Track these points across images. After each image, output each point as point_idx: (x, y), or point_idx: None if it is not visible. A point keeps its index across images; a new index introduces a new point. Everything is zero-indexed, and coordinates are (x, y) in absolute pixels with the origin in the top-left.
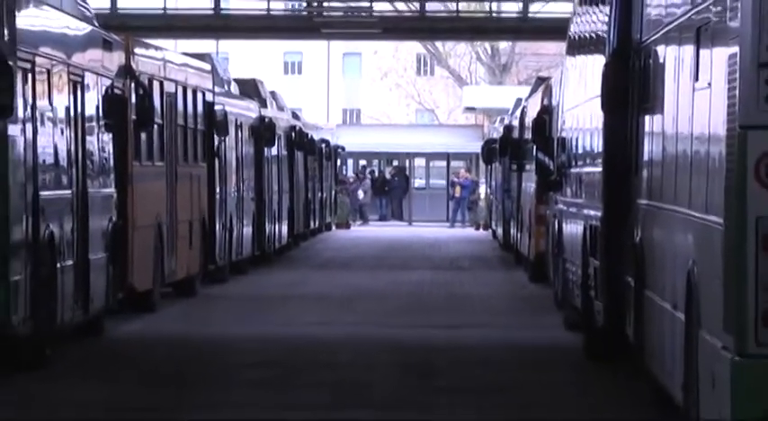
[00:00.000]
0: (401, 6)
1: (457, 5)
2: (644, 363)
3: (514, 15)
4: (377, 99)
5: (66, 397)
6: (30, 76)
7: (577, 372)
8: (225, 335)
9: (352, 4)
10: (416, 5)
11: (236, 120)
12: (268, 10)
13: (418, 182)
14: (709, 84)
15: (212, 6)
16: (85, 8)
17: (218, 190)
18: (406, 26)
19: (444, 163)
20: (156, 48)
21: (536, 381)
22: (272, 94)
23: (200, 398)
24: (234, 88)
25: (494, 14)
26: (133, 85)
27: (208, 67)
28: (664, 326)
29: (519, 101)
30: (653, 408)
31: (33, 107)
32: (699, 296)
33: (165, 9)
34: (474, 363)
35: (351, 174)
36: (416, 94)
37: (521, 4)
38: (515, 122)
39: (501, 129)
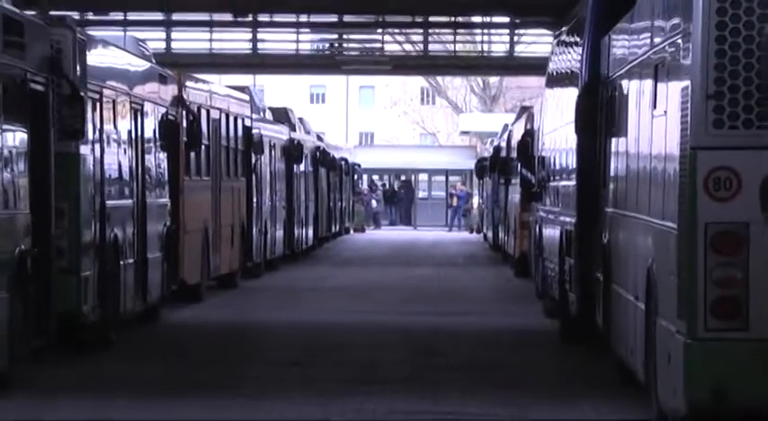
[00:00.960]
0: (408, 47)
1: (454, 46)
2: (610, 345)
3: (502, 55)
4: (387, 124)
5: (127, 374)
6: (98, 105)
7: (555, 353)
8: (261, 322)
9: (367, 45)
10: (420, 46)
11: (270, 142)
12: (297, 50)
13: (422, 193)
14: (666, 111)
15: (250, 47)
16: (145, 48)
17: (254, 200)
18: (411, 63)
19: (443, 177)
20: (204, 81)
21: (520, 360)
22: (300, 119)
23: (240, 374)
24: (268, 115)
25: (484, 54)
26: (184, 112)
27: (246, 97)
28: (627, 314)
29: (506, 126)
30: (618, 383)
31: (101, 131)
32: (657, 289)
33: (210, 49)
34: (468, 345)
35: (365, 186)
36: (420, 120)
37: (507, 46)
38: (503, 144)
39: (491, 150)
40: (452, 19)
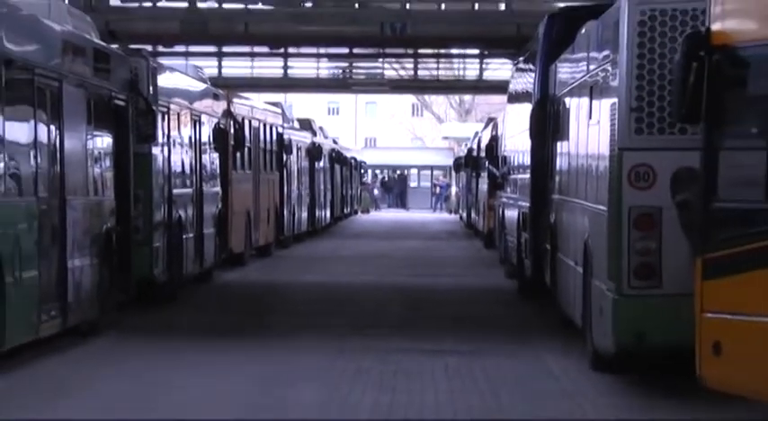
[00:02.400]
0: (402, 72)
1: (437, 72)
2: (556, 300)
3: (474, 78)
4: (387, 131)
5: (187, 321)
6: (166, 116)
7: (513, 305)
8: (290, 281)
9: (371, 71)
10: (411, 72)
11: (297, 145)
12: (317, 74)
13: (413, 183)
14: (599, 121)
15: (282, 72)
16: (201, 73)
17: (285, 189)
18: (405, 85)
19: (429, 172)
20: (246, 98)
21: (486, 311)
22: (320, 128)
23: (272, 319)
24: (295, 124)
25: (460, 78)
26: (232, 122)
27: (279, 110)
28: (569, 276)
29: (476, 132)
30: (561, 327)
31: (168, 136)
32: (592, 256)
33: (251, 73)
34: (446, 300)
35: (369, 178)
36: (411, 128)
37: (478, 71)
38: (474, 146)
39: (465, 151)
40: (436, 51)
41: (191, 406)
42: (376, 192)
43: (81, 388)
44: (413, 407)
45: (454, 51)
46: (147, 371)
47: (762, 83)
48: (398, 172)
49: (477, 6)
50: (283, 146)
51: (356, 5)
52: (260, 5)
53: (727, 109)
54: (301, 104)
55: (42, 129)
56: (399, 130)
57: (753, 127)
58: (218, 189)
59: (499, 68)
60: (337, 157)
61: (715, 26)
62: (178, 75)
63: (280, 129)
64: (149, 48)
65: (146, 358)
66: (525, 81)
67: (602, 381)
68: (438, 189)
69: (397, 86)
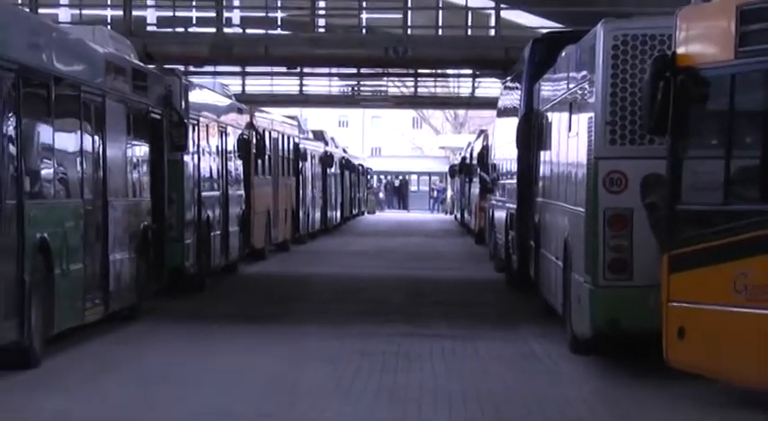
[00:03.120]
0: (404, 90)
1: (435, 89)
2: (539, 290)
3: (467, 95)
4: (390, 141)
5: (214, 307)
6: (196, 128)
7: (502, 295)
8: (305, 273)
9: (376, 89)
10: (412, 89)
11: (311, 153)
12: (329, 91)
13: (413, 187)
14: (577, 133)
15: (298, 89)
16: (227, 90)
17: (300, 192)
18: (406, 101)
19: (427, 177)
20: (267, 112)
21: (478, 300)
22: (332, 138)
23: (289, 306)
24: (310, 135)
25: (455, 95)
26: (254, 133)
27: (295, 123)
28: (551, 269)
29: (469, 143)
30: (543, 314)
31: (198, 145)
32: (571, 252)
33: (271, 90)
34: (442, 290)
35: (375, 183)
36: (412, 138)
37: (471, 89)
38: (467, 155)
39: (459, 159)
40: (434, 71)
41: (222, 380)
42: (381, 194)
43: (122, 365)
44: (413, 386)
45: (450, 71)
46: (179, 351)
47: (720, 100)
48: (400, 177)
49: (469, 32)
50: (299, 154)
51: (363, 31)
52: (279, 31)
53: (689, 123)
54: (315, 118)
55: (87, 138)
56: (401, 141)
57: (712, 139)
58: (241, 192)
59: (489, 87)
60: (347, 164)
61: (680, 50)
62: (207, 91)
63: (296, 140)
64: (182, 68)
65: (178, 340)
66: (512, 98)
67: (580, 362)
68: (435, 193)
69: (400, 102)
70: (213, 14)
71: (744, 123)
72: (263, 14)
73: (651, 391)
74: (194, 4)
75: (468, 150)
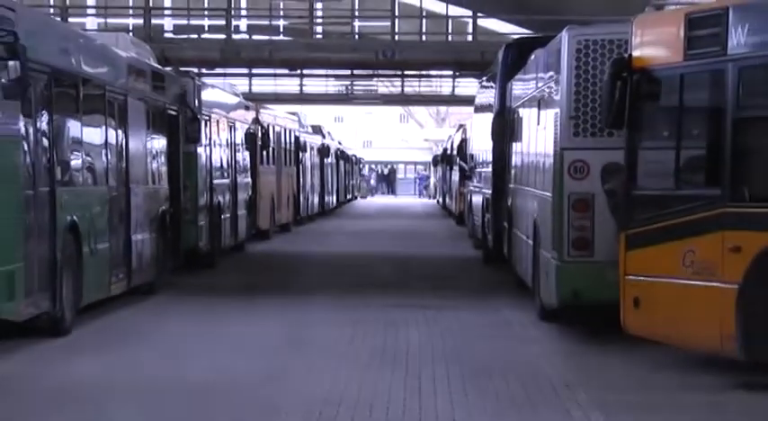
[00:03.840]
0: (392, 89)
1: (419, 88)
2: (511, 265)
3: (448, 93)
4: (380, 135)
5: (225, 281)
6: (208, 123)
7: (479, 269)
8: (304, 251)
9: (367, 88)
10: (399, 88)
11: (310, 145)
12: (326, 91)
13: (400, 175)
14: (545, 127)
15: (299, 89)
16: (235, 89)
17: (301, 179)
18: (394, 99)
19: (413, 166)
20: (271, 109)
21: (459, 273)
22: (328, 132)
23: (291, 280)
24: (309, 129)
25: (437, 93)
26: (259, 127)
27: (296, 118)
28: (522, 247)
29: (450, 136)
30: (515, 286)
31: (210, 138)
32: (539, 232)
33: (275, 90)
34: (426, 265)
35: (367, 171)
36: (399, 132)
37: (452, 88)
38: (448, 146)
39: (441, 150)
40: (419, 72)
41: (232, 345)
42: (372, 181)
43: (144, 333)
44: (400, 348)
45: (432, 72)
46: (195, 320)
47: (670, 97)
48: (389, 166)
49: (450, 38)
50: (299, 146)
51: (356, 37)
52: (281, 37)
53: (644, 117)
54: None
55: (111, 133)
56: (390, 134)
57: (664, 131)
58: (248, 180)
59: (467, 86)
60: (341, 155)
61: (635, 53)
62: (217, 90)
63: (296, 133)
64: (195, 70)
65: (193, 310)
66: (488, 96)
67: (548, 329)
68: (418, 180)
69: (388, 100)
70: (223, 23)
71: (692, 118)
72: (268, 23)
73: (609, 354)
74: (206, 13)
75: (449, 142)
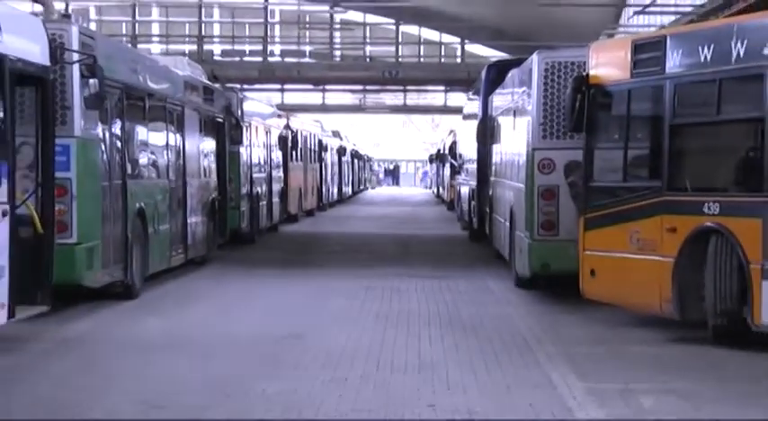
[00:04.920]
0: (396, 101)
1: (418, 100)
2: (492, 243)
3: (441, 104)
4: (387, 137)
5: (262, 255)
6: (249, 128)
7: (466, 245)
8: (325, 231)
9: (377, 100)
10: (402, 101)
11: (330, 146)
12: (343, 102)
13: (403, 170)
14: (519, 131)
15: (321, 101)
16: (270, 101)
17: (323, 174)
18: (398, 108)
19: (413, 163)
20: (299, 117)
21: (449, 249)
22: (345, 136)
23: (314, 254)
24: (329, 133)
25: (433, 104)
26: (289, 132)
27: (319, 125)
28: (500, 228)
29: (443, 139)
30: (495, 259)
31: (250, 141)
32: (514, 216)
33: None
34: (423, 243)
35: (375, 167)
36: (402, 135)
37: (444, 99)
38: (441, 147)
39: (435, 150)
40: (418, 87)
41: (267, 307)
42: (380, 175)
43: (196, 296)
44: (403, 311)
45: (428, 88)
46: (237, 287)
47: (620, 107)
48: (393, 163)
49: (443, 60)
50: (321, 147)
51: (367, 59)
52: (307, 59)
53: (598, 124)
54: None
55: (171, 136)
56: (394, 137)
57: (614, 135)
58: (281, 174)
59: (457, 98)
60: (355, 154)
61: (592, 72)
62: (256, 102)
63: (319, 137)
64: (238, 85)
65: (237, 278)
66: (473, 106)
67: (522, 294)
68: (422, 175)
69: (393, 110)
70: (260, 48)
71: (636, 124)
72: (296, 48)
73: (570, 313)
74: (247, 40)
75: (442, 144)
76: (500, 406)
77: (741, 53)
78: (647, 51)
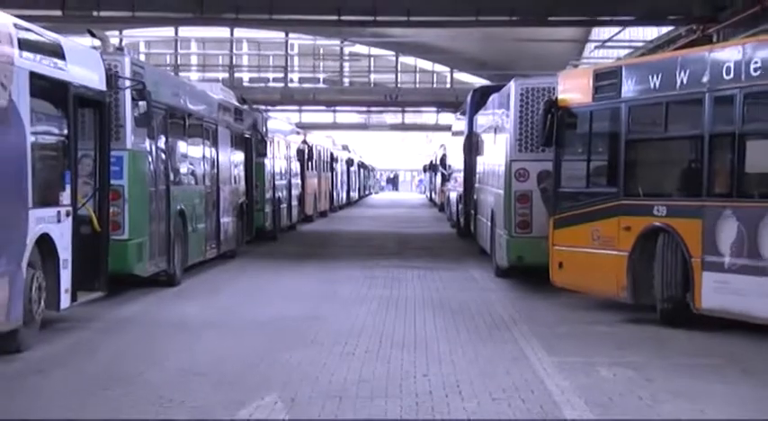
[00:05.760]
0: (396, 119)
1: (414, 119)
2: (476, 240)
3: (434, 123)
4: (388, 150)
5: (284, 249)
6: (272, 143)
7: (454, 241)
8: (336, 228)
9: (380, 119)
10: (400, 119)
11: (340, 158)
12: (351, 121)
13: (401, 178)
14: (499, 146)
15: (333, 120)
16: (290, 120)
17: (334, 181)
18: (397, 126)
19: (410, 172)
20: (314, 133)
21: (440, 244)
22: (353, 149)
23: (327, 249)
24: (339, 147)
25: (426, 123)
26: (306, 146)
27: (331, 139)
28: (483, 227)
29: (435, 152)
30: (479, 254)
31: (273, 153)
32: (495, 216)
33: (316, 121)
34: (419, 238)
35: (378, 175)
36: (400, 148)
37: (436, 118)
38: (434, 159)
39: (429, 161)
40: (414, 108)
41: (287, 293)
42: (383, 183)
43: (227, 285)
44: (401, 296)
45: (423, 109)
46: (261, 276)
47: (583, 126)
48: (393, 172)
49: (435, 85)
50: (333, 158)
51: (372, 85)
52: (321, 85)
53: (565, 140)
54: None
55: (207, 150)
56: (394, 150)
57: (579, 149)
58: (299, 181)
59: (447, 118)
60: (362, 165)
61: (560, 96)
62: (278, 121)
63: (331, 150)
64: (263, 107)
65: (261, 269)
66: (460, 125)
67: (501, 282)
68: (419, 182)
69: (394, 127)
70: (282, 75)
71: (597, 140)
72: (312, 75)
73: (542, 299)
74: (271, 69)
75: (434, 156)
76: (482, 375)
77: (684, 81)
78: (605, 79)
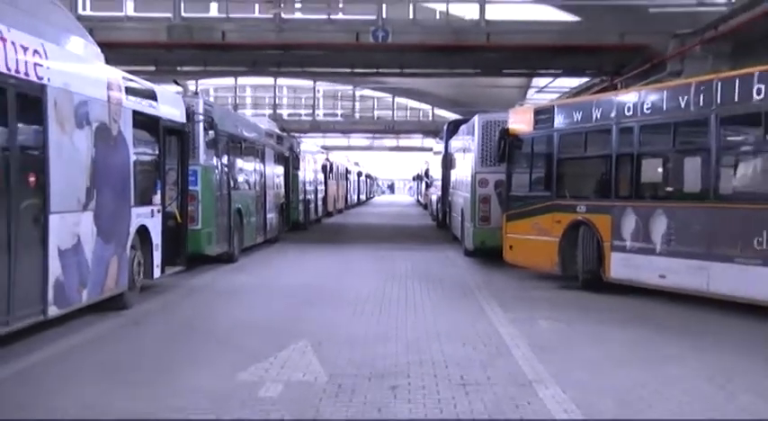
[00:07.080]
0: (393, 142)
1: (406, 142)
2: (450, 229)
3: (419, 144)
4: (387, 166)
5: (311, 236)
6: (303, 160)
7: (434, 231)
8: (350, 222)
9: (381, 142)
10: (396, 143)
11: (353, 171)
12: (360, 144)
13: (397, 186)
14: (467, 162)
15: (347, 143)
16: (317, 143)
17: (348, 187)
18: (394, 148)
19: (403, 181)
20: (333, 153)
21: (424, 234)
22: (362, 164)
23: (343, 236)
24: (352, 163)
25: (415, 145)
26: (329, 162)
27: (346, 158)
28: (456, 220)
29: (421, 167)
30: (452, 240)
31: (304, 168)
32: (464, 213)
33: (336, 144)
34: (408, 229)
35: (379, 183)
36: (396, 164)
37: (422, 141)
38: (421, 172)
39: (417, 174)
40: (407, 135)
41: (313, 269)
42: (383, 189)
43: (271, 261)
44: (396, 269)
45: (412, 135)
46: (296, 255)
47: (526, 148)
48: (391, 181)
49: (421, 118)
50: (347, 171)
51: (375, 118)
52: (339, 118)
53: (514, 157)
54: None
55: (257, 166)
56: (392, 165)
57: (524, 164)
58: (323, 187)
59: (430, 142)
60: (368, 176)
61: (511, 127)
62: (309, 144)
63: (346, 165)
64: (297, 134)
65: (295, 251)
66: (440, 147)
67: (468, 260)
68: (407, 188)
69: (392, 148)
70: (311, 111)
71: (537, 158)
72: (332, 111)
73: (498, 272)
74: (302, 106)
75: (421, 170)
76: (455, 326)
77: (598, 116)
78: (543, 114)
